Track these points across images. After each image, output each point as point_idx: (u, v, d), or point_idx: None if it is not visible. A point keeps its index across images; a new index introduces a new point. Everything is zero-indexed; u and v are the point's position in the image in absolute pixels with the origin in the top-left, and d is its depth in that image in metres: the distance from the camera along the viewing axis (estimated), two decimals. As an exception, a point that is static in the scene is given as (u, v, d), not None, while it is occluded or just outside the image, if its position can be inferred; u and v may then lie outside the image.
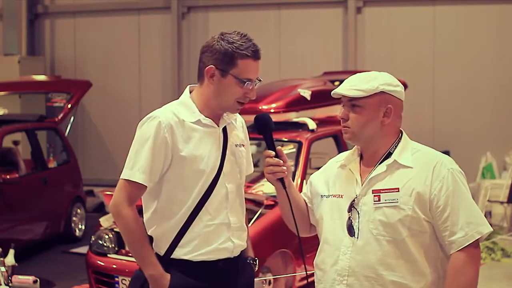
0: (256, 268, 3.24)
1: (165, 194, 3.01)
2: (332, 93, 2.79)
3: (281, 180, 2.87)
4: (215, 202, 2.99)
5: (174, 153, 2.95)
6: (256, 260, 3.23)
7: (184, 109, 3.03)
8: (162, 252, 3.03)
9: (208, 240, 2.99)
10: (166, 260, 3.00)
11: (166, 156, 2.94)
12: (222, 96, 2.99)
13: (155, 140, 2.93)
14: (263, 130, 2.93)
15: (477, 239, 2.62)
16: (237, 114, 3.17)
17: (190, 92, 3.08)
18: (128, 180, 2.93)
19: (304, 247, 2.95)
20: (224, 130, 3.08)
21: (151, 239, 3.05)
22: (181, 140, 2.96)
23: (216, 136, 3.04)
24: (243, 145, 3.15)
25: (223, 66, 2.95)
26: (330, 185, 2.85)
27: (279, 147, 2.92)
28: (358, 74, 2.80)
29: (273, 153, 2.86)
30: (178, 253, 3.00)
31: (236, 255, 3.08)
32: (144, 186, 2.93)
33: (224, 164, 3.02)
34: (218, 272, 3.02)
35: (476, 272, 2.63)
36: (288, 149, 6.92)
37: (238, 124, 3.18)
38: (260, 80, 3.03)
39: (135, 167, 2.93)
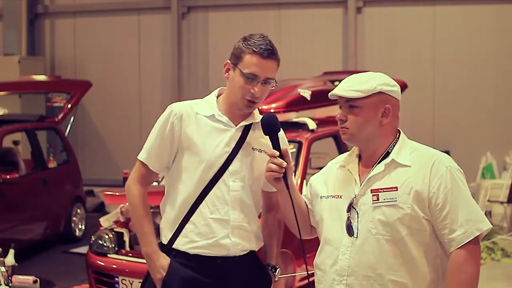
0: (276, 279, 3.24)
1: (170, 182, 3.14)
2: (329, 94, 2.78)
3: (285, 180, 2.89)
4: (215, 196, 3.04)
5: (180, 141, 3.08)
6: (276, 268, 3.23)
7: (204, 104, 3.16)
8: (165, 240, 3.11)
9: (204, 233, 3.03)
10: (168, 249, 3.09)
11: (172, 142, 3.09)
12: (232, 91, 3.08)
13: (163, 125, 3.12)
14: (270, 130, 2.97)
15: (477, 236, 2.62)
16: None
17: (220, 94, 3.19)
18: (138, 160, 3.18)
19: (304, 247, 2.96)
20: (246, 131, 3.11)
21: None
22: (189, 130, 3.08)
23: (228, 134, 3.08)
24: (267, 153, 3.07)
25: (234, 60, 3.07)
26: (329, 186, 2.85)
27: (285, 148, 2.94)
28: (354, 75, 2.81)
29: (277, 153, 2.90)
30: (178, 243, 3.08)
31: (238, 255, 3.08)
32: (148, 168, 3.14)
33: (232, 162, 3.05)
34: (218, 269, 3.04)
35: (477, 269, 2.63)
36: (288, 150, 6.90)
37: None
38: (274, 80, 3.05)
39: (145, 148, 3.17)
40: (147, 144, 3.16)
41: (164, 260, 3.07)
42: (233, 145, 3.07)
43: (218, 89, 3.21)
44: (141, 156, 3.15)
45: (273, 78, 3.06)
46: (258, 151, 3.12)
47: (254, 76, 3.01)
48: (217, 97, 3.18)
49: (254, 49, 3.00)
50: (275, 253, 3.26)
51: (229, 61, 3.09)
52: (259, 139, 3.13)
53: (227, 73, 3.10)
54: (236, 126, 3.10)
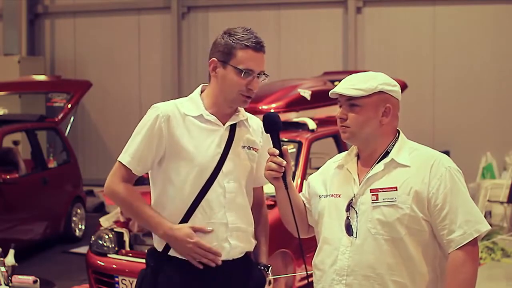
0: (269, 276, 3.19)
1: (161, 187, 3.02)
2: (330, 92, 2.78)
3: (283, 179, 2.87)
4: (211, 200, 2.97)
5: (168, 144, 2.97)
6: (268, 267, 3.18)
7: (189, 103, 3.06)
8: (160, 247, 3.02)
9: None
10: (164, 257, 2.99)
11: (158, 146, 2.97)
12: (225, 89, 3.00)
13: (149, 128, 2.99)
14: (271, 129, 2.93)
15: (476, 238, 2.62)
16: (257, 118, 3.16)
17: (202, 91, 3.11)
18: (120, 162, 3.02)
19: (304, 247, 2.94)
20: (232, 129, 3.06)
21: None
22: (178, 132, 2.98)
23: (218, 134, 3.01)
24: (255, 149, 3.08)
25: (223, 57, 2.98)
26: (327, 185, 2.85)
27: (285, 147, 2.92)
28: (355, 74, 2.81)
29: (277, 151, 2.86)
30: (174, 251, 2.98)
31: (236, 257, 3.03)
32: (131, 171, 2.99)
33: (225, 163, 2.99)
34: (216, 273, 2.97)
35: (475, 270, 2.63)
36: (288, 149, 6.91)
37: (255, 128, 3.13)
38: (265, 75, 3.01)
39: (127, 152, 3.01)
40: (130, 147, 3.00)
41: (186, 228, 2.93)
42: (224, 145, 3.01)
43: (200, 86, 3.13)
44: (124, 160, 2.98)
45: (264, 71, 3.02)
46: (247, 148, 3.08)
47: (250, 71, 2.96)
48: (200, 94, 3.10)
49: (246, 43, 2.94)
50: (265, 250, 3.21)
51: (215, 59, 3.00)
52: (246, 136, 3.09)
53: (214, 72, 3.01)
54: (223, 125, 3.03)
